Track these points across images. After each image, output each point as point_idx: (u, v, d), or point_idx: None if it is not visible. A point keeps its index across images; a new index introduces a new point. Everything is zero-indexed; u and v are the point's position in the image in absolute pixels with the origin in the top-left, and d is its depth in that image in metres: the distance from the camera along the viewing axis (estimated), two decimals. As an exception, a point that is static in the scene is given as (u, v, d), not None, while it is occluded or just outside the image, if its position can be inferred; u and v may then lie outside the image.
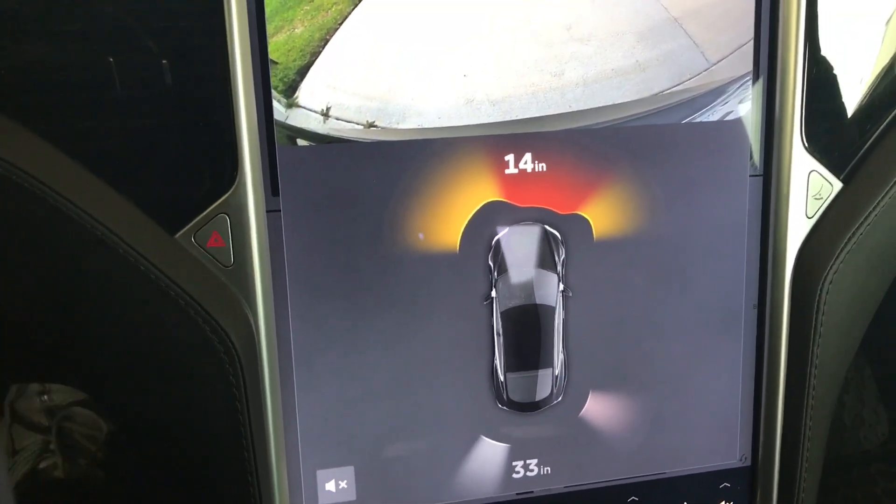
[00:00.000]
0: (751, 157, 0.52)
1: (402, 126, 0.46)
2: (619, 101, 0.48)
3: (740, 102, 0.51)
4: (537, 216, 0.50)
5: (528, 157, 0.49)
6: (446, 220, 0.49)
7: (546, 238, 0.50)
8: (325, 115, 0.45)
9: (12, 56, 0.42)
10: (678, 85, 0.49)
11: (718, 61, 0.50)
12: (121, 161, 0.44)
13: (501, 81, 0.47)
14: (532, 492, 0.54)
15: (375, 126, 0.46)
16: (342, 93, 0.45)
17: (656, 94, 0.49)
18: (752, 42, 0.50)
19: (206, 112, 0.44)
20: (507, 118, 0.48)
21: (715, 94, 0.51)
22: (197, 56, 0.44)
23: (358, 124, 0.46)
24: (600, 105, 0.48)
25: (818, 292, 0.52)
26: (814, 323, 0.52)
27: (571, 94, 0.48)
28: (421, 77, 0.46)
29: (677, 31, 0.49)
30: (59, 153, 0.43)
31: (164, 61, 0.43)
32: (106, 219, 0.43)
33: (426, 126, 0.47)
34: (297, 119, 0.45)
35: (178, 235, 0.45)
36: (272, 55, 0.44)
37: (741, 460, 0.57)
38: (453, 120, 0.47)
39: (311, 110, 0.45)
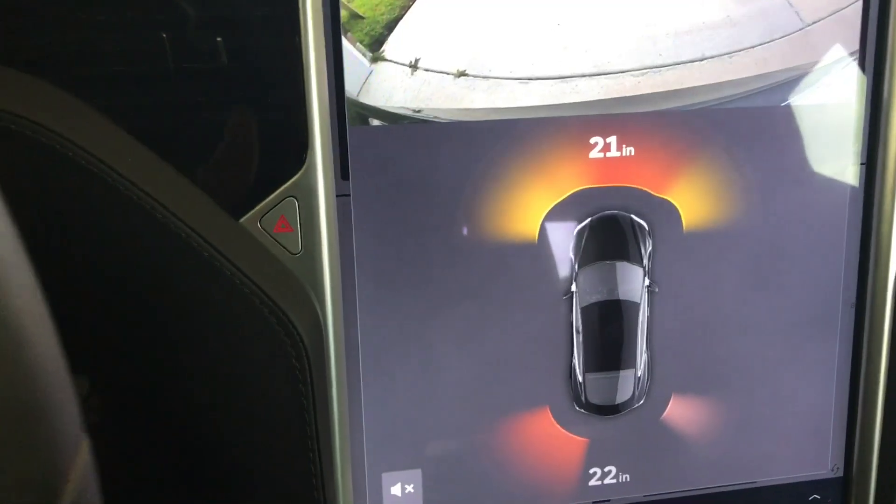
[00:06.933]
0: (854, 145, 0.48)
1: (492, 74, 0.44)
2: (709, 54, 0.45)
3: (844, 84, 0.47)
4: (625, 196, 0.47)
5: (614, 140, 0.46)
6: (525, 208, 0.46)
7: (632, 228, 0.47)
8: (414, 66, 0.43)
9: (76, 33, 0.40)
10: (769, 42, 0.46)
11: (813, 23, 0.46)
12: (185, 142, 0.41)
13: (594, 30, 0.45)
14: (609, 501, 0.51)
15: (466, 74, 0.43)
16: (432, 43, 0.43)
17: (750, 76, 0.46)
18: (851, 6, 0.46)
19: (276, 91, 0.41)
20: (600, 67, 0.45)
21: (817, 74, 0.47)
22: (267, 32, 0.41)
23: (448, 73, 0.43)
24: (691, 57, 0.45)
25: None
26: None
27: (662, 45, 0.45)
28: (513, 26, 0.44)
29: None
30: (119, 132, 0.41)
31: (226, 39, 0.41)
32: (167, 201, 0.40)
33: (517, 73, 0.44)
34: (381, 74, 0.42)
35: (243, 220, 0.42)
36: (359, 9, 0.42)
37: (833, 471, 0.53)
38: (547, 67, 0.44)
39: (398, 63, 0.43)
